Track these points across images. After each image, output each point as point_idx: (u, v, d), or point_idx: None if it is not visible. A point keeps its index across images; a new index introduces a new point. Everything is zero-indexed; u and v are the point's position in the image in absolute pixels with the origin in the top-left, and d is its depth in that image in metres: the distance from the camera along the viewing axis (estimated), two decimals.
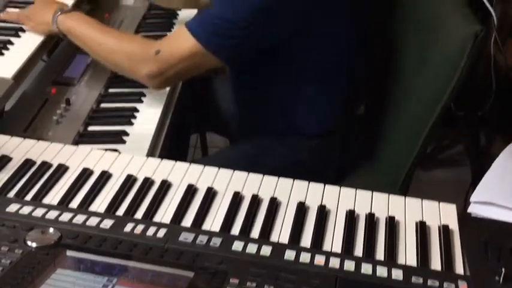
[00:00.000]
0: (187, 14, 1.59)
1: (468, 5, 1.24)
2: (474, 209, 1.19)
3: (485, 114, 2.10)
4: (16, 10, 1.32)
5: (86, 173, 0.89)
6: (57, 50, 1.43)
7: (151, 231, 0.76)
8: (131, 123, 1.17)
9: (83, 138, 1.12)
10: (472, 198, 1.21)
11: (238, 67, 1.23)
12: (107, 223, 0.77)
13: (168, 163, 0.94)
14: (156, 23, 1.57)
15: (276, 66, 1.19)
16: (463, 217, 0.88)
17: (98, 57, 1.19)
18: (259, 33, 1.08)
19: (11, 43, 1.21)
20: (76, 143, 1.09)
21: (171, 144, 1.26)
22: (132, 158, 0.95)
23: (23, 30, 1.26)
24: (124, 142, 1.12)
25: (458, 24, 1.14)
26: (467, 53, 1.10)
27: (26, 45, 1.22)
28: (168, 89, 1.27)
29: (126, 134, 1.13)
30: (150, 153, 1.10)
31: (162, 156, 1.12)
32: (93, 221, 0.77)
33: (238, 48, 1.09)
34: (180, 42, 1.09)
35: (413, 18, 1.30)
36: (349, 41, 1.23)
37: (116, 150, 1.08)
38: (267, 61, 1.16)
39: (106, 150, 0.99)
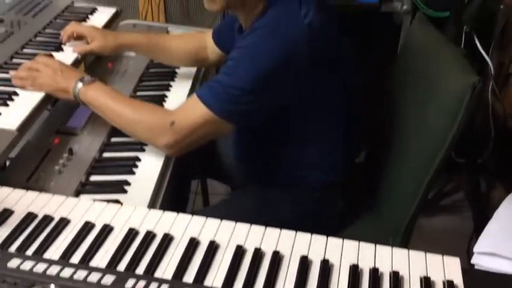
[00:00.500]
0: (183, 75, 1.62)
1: (465, 55, 1.27)
2: (478, 260, 1.18)
3: (485, 161, 2.11)
4: (24, 61, 1.34)
5: (87, 227, 0.89)
6: (60, 100, 1.45)
7: (152, 287, 0.75)
8: (133, 173, 1.17)
9: (85, 188, 1.12)
10: (476, 248, 1.20)
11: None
12: (108, 279, 0.76)
13: (170, 215, 0.94)
14: (159, 72, 1.60)
15: (277, 126, 1.22)
16: (467, 271, 0.87)
17: (117, 126, 1.23)
18: (267, 98, 1.12)
19: (16, 94, 1.22)
20: (78, 192, 1.10)
21: (172, 191, 1.26)
22: (134, 209, 0.95)
23: None
24: (126, 192, 1.12)
25: (456, 76, 1.16)
26: (466, 104, 1.12)
27: (30, 96, 1.23)
28: None
29: (128, 183, 1.14)
30: (152, 202, 1.10)
31: (164, 204, 1.14)
32: (94, 277, 0.76)
33: (249, 113, 1.13)
34: (193, 112, 1.13)
35: (411, 70, 1.33)
36: (349, 98, 1.26)
37: (117, 200, 1.08)
38: (269, 122, 1.19)
39: (108, 201, 0.99)
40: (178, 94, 1.50)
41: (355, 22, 1.56)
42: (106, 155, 1.24)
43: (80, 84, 1.22)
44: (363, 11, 1.83)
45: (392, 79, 1.43)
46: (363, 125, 1.41)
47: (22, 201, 0.94)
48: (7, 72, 1.30)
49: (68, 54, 1.45)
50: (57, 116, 1.35)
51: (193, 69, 1.63)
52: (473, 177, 2.12)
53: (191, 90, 1.54)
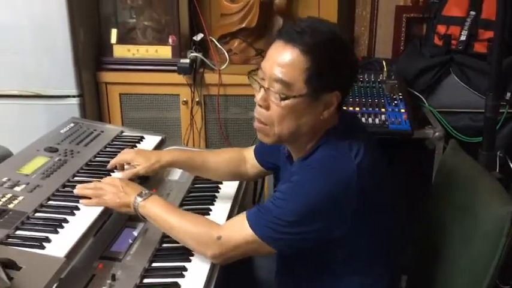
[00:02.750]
0: (228, 189, 1.69)
1: (500, 179, 1.29)
2: None
3: None
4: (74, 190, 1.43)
5: None
6: (106, 224, 1.51)
7: None
8: None
9: None
10: None
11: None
12: None
13: None
14: (200, 196, 1.66)
15: (319, 255, 1.25)
16: None
17: (171, 236, 1.34)
18: (310, 233, 1.17)
19: (66, 221, 1.29)
20: None
21: None
22: None
23: (78, 209, 1.35)
24: None
25: (493, 205, 1.18)
26: (506, 231, 1.12)
27: (79, 223, 1.30)
28: (208, 268, 1.30)
29: None
30: None
31: None
32: None
33: (291, 242, 1.19)
34: (239, 230, 1.22)
35: (450, 201, 1.35)
36: (390, 230, 1.29)
37: None
38: (309, 251, 1.23)
39: None
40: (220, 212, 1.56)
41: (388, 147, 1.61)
42: (147, 280, 1.26)
43: (138, 199, 1.34)
44: (396, 137, 1.89)
45: (429, 209, 1.45)
46: (401, 255, 1.40)
47: None
48: (59, 200, 1.38)
49: None
50: (102, 240, 1.39)
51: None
52: None
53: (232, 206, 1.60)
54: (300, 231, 1.16)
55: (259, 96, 1.21)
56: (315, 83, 1.15)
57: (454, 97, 2.17)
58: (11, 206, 1.30)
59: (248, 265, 1.59)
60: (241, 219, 1.23)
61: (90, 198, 1.38)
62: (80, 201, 1.38)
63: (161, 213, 1.33)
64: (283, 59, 1.16)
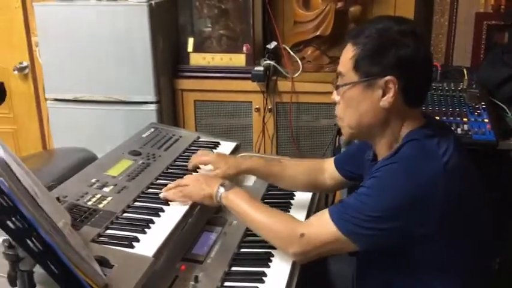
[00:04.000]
0: (303, 196, 1.68)
1: None
2: None
3: None
4: (157, 191, 1.48)
5: None
6: (185, 227, 1.55)
7: None
8: None
9: None
10: None
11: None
12: None
13: None
14: (275, 202, 1.66)
15: (401, 254, 1.21)
16: None
17: (252, 229, 1.36)
18: (394, 228, 1.15)
19: (152, 222, 1.33)
20: None
21: None
22: None
23: (163, 210, 1.40)
24: None
25: None
26: None
27: (164, 224, 1.34)
28: (287, 274, 1.30)
29: None
30: None
31: None
32: None
33: (375, 237, 1.17)
34: (322, 228, 1.21)
35: None
36: (479, 235, 1.24)
37: None
38: (393, 248, 1.19)
39: None
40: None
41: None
42: (227, 284, 1.27)
43: (221, 189, 1.37)
44: (480, 148, 1.82)
45: None
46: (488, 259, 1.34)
47: None
48: (145, 202, 1.43)
49: None
50: (182, 243, 1.43)
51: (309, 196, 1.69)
52: None
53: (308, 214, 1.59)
54: (384, 227, 1.14)
55: (333, 94, 1.29)
56: (362, 69, 1.20)
57: None
58: (100, 206, 1.36)
59: (324, 271, 1.58)
60: (324, 216, 1.22)
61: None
62: (164, 193, 1.44)
63: (244, 205, 1.34)
64: (342, 55, 1.25)
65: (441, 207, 1.13)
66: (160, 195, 1.46)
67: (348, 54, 1.22)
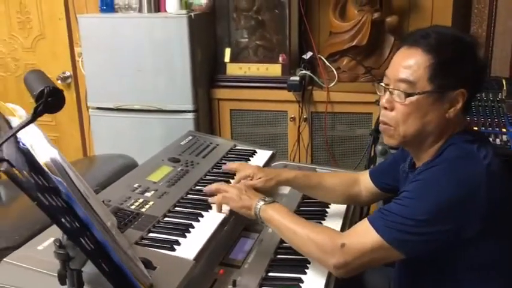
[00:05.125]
0: (338, 206, 1.69)
1: None
2: None
3: None
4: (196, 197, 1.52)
5: None
6: (222, 232, 1.58)
7: None
8: None
9: None
10: None
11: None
12: None
13: None
14: (311, 211, 1.68)
15: (442, 259, 1.20)
16: None
17: (292, 244, 1.34)
18: (439, 231, 1.14)
19: (192, 226, 1.37)
20: None
21: None
22: None
23: (202, 216, 1.43)
24: None
25: None
26: None
27: (204, 229, 1.37)
28: (325, 278, 1.31)
29: None
30: None
31: None
32: None
33: (419, 243, 1.15)
34: (364, 237, 1.19)
35: None
36: None
37: None
38: (435, 253, 1.19)
39: None
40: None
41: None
42: None
43: (261, 203, 1.38)
44: None
45: None
46: None
47: None
48: (184, 207, 1.47)
49: None
50: (220, 248, 1.46)
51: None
52: None
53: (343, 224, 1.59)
54: (430, 231, 1.13)
55: (384, 99, 1.25)
56: (438, 80, 1.17)
57: None
58: (143, 210, 1.41)
59: (360, 282, 1.58)
60: (365, 225, 1.19)
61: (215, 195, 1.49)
62: (208, 188, 1.51)
63: (283, 219, 1.33)
64: (407, 60, 1.20)
65: (485, 208, 1.12)
66: (205, 189, 1.53)
67: (421, 61, 1.18)
